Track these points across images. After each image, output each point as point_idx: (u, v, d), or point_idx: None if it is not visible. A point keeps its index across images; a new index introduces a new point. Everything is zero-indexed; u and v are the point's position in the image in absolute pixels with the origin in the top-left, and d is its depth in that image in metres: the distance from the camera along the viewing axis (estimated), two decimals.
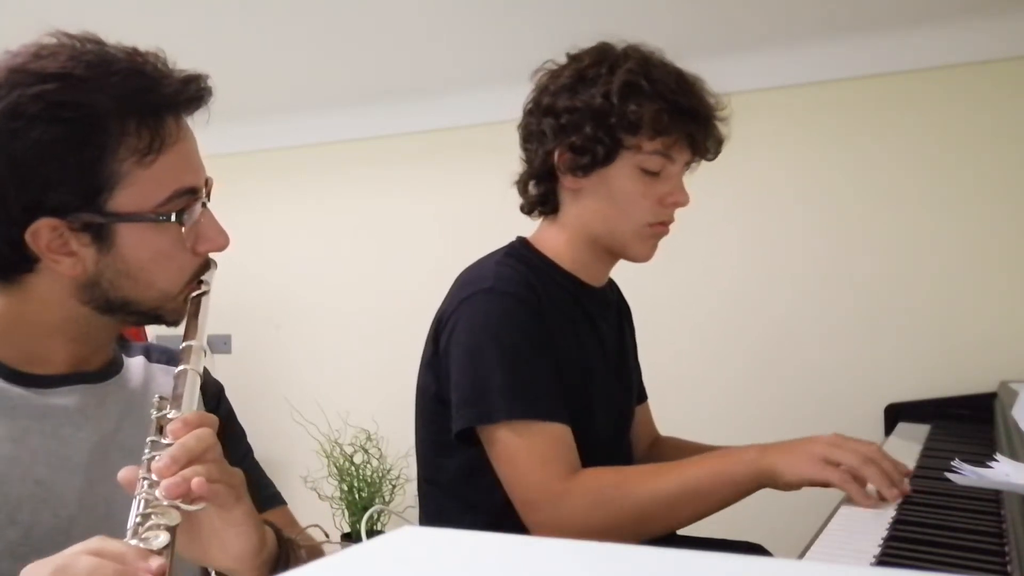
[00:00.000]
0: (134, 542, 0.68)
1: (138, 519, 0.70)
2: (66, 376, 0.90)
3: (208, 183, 0.91)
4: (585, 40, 1.29)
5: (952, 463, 1.04)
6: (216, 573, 0.81)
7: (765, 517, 1.63)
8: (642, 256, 1.30)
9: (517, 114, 1.35)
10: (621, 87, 1.20)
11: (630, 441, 1.45)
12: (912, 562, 0.83)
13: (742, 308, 2.31)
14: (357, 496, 2.60)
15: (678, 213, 1.28)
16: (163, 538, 0.69)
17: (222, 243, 0.91)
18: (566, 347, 1.23)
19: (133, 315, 0.90)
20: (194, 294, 0.90)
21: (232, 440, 0.99)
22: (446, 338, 1.21)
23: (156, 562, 0.66)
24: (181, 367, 0.84)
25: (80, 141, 0.80)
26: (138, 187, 0.83)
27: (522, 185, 1.33)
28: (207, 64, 0.89)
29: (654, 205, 1.25)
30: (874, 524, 0.96)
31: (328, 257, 2.88)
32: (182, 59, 0.88)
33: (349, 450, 2.63)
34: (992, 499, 1.05)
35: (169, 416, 0.78)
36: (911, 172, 2.16)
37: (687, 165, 1.28)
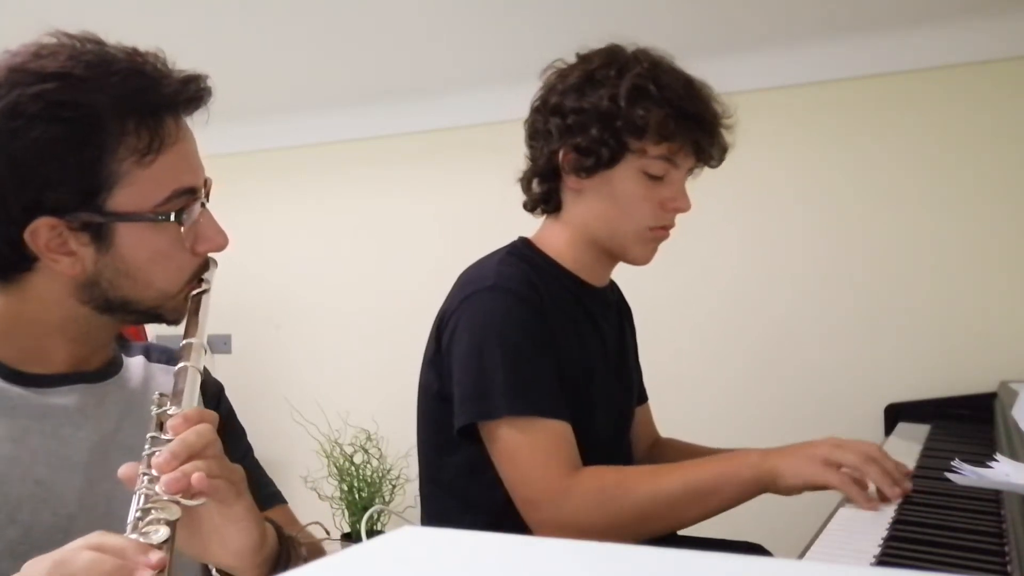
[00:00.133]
0: (134, 536, 0.68)
1: (138, 514, 0.70)
2: (66, 376, 0.90)
3: (207, 183, 0.91)
4: (585, 40, 1.29)
5: (952, 463, 1.04)
6: (216, 570, 0.81)
7: (765, 517, 1.63)
8: (641, 259, 1.30)
9: (517, 114, 1.35)
10: (629, 91, 1.20)
11: (630, 442, 1.45)
12: (912, 562, 0.83)
13: (742, 308, 2.31)
14: (357, 496, 2.60)
15: (678, 214, 1.29)
16: (163, 532, 0.69)
17: (221, 243, 0.91)
18: (567, 346, 1.23)
19: (132, 314, 0.91)
20: (194, 292, 0.90)
21: (232, 439, 0.99)
22: (448, 336, 1.21)
23: (156, 556, 0.66)
24: (181, 364, 0.84)
25: (79, 141, 0.80)
26: (137, 187, 0.83)
27: (526, 182, 1.33)
28: (207, 64, 0.89)
29: (655, 209, 1.25)
30: (874, 524, 0.96)
31: (328, 257, 2.88)
32: (182, 59, 0.88)
33: (349, 450, 2.63)
34: (992, 499, 1.05)
35: (169, 412, 0.79)
36: (911, 172, 2.16)
37: (690, 171, 1.28)
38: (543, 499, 1.12)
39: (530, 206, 1.34)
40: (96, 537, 0.67)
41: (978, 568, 0.81)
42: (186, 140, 0.88)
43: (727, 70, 1.74)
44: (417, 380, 1.31)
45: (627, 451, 1.43)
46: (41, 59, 0.81)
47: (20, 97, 0.79)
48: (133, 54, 0.85)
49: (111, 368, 0.95)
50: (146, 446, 0.75)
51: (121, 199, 0.83)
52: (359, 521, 2.50)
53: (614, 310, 1.41)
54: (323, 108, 2.78)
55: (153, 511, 0.70)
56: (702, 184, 1.32)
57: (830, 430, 1.12)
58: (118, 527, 0.71)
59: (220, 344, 2.96)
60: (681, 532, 1.31)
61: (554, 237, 1.31)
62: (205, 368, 0.87)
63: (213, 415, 0.80)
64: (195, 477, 0.71)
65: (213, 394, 1.04)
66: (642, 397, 1.54)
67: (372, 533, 2.47)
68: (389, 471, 2.62)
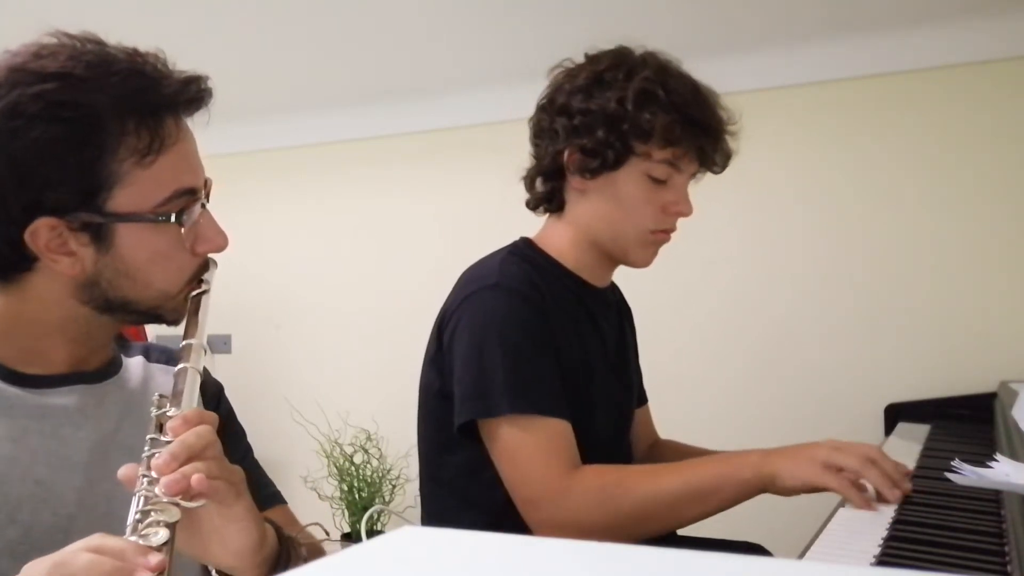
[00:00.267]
0: (134, 539, 0.68)
1: (138, 516, 0.70)
2: (65, 376, 0.90)
3: (207, 184, 0.91)
4: (585, 40, 1.29)
5: (952, 463, 1.04)
6: (216, 571, 0.81)
7: (765, 517, 1.63)
8: (641, 262, 1.30)
9: (517, 114, 1.35)
10: (637, 94, 1.20)
11: (630, 442, 1.45)
12: (912, 562, 0.83)
13: (742, 308, 2.31)
14: (357, 496, 2.60)
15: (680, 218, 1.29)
16: (163, 534, 0.69)
17: (221, 244, 0.91)
18: (568, 345, 1.23)
19: (132, 315, 0.91)
20: (194, 293, 0.90)
21: (232, 439, 0.99)
22: (449, 334, 1.22)
23: (155, 558, 0.66)
24: (181, 365, 0.84)
25: (79, 141, 0.80)
26: (137, 187, 0.83)
27: (529, 181, 1.34)
28: (207, 64, 0.89)
29: (657, 212, 1.25)
30: (874, 524, 0.96)
31: (328, 257, 2.88)
32: (182, 59, 0.88)
33: (349, 450, 2.63)
34: (992, 499, 1.05)
35: (169, 414, 0.78)
36: (911, 172, 2.16)
37: (692, 175, 1.29)
38: (543, 498, 1.13)
39: (533, 205, 1.35)
40: (96, 539, 0.67)
41: (978, 568, 0.81)
42: (186, 141, 0.87)
43: (727, 70, 1.74)
44: (417, 380, 1.31)
45: (627, 451, 1.43)
46: (41, 59, 0.81)
47: (20, 97, 0.79)
48: (133, 54, 0.85)
49: (111, 368, 0.95)
50: (146, 448, 0.75)
51: (121, 199, 0.83)
52: (359, 521, 2.50)
53: (614, 310, 1.41)
54: (323, 108, 2.78)
55: (153, 513, 0.70)
56: (702, 185, 1.33)
57: (830, 430, 1.13)
58: (118, 527, 0.71)
59: (220, 344, 2.96)
60: (681, 532, 1.31)
61: (556, 237, 1.32)
62: (205, 368, 0.87)
63: (213, 416, 0.80)
64: (195, 479, 0.71)
65: (213, 394, 1.03)
66: (642, 398, 1.55)
67: (372, 533, 2.47)
68: (389, 471, 2.62)
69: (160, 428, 0.78)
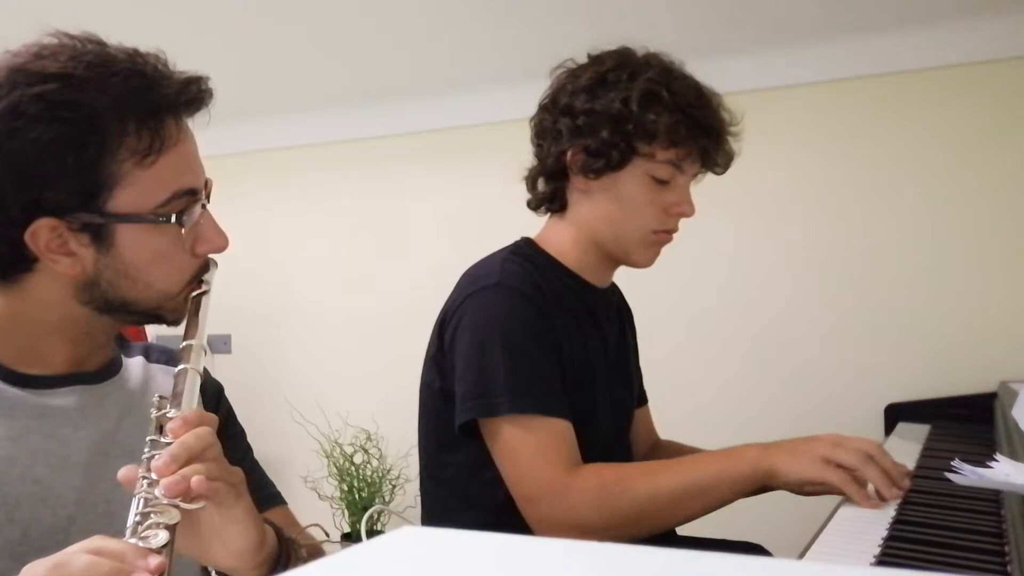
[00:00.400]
0: (133, 541, 0.68)
1: (137, 518, 0.70)
2: (65, 377, 0.90)
3: (208, 184, 0.91)
4: (585, 40, 1.29)
5: (952, 463, 1.04)
6: (216, 572, 0.81)
7: (765, 517, 1.63)
8: (643, 262, 1.31)
9: (517, 114, 1.35)
10: (641, 95, 1.21)
11: (630, 442, 1.45)
12: (912, 562, 0.83)
13: (741, 308, 2.31)
14: (357, 496, 2.60)
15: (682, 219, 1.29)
16: (162, 536, 0.69)
17: (221, 244, 0.91)
18: (569, 345, 1.24)
19: (132, 315, 0.90)
20: (194, 293, 0.90)
21: (232, 440, 0.99)
22: (451, 333, 1.22)
23: (155, 560, 0.66)
24: (181, 366, 0.84)
25: (80, 141, 0.80)
26: (138, 188, 0.83)
27: (531, 181, 1.34)
28: (207, 64, 0.89)
29: (660, 213, 1.26)
30: (874, 524, 0.96)
31: (328, 257, 2.88)
32: (182, 59, 0.88)
33: (349, 450, 2.63)
34: (992, 499, 1.05)
35: (169, 415, 0.78)
36: (911, 172, 2.16)
37: (694, 176, 1.29)
38: (543, 497, 1.13)
39: (534, 205, 1.35)
40: (96, 541, 0.67)
41: (978, 568, 0.81)
42: (187, 141, 0.87)
43: (727, 70, 1.75)
44: (417, 380, 1.31)
45: (627, 451, 1.43)
46: (42, 60, 0.81)
47: (21, 97, 0.79)
48: (134, 55, 0.85)
49: (110, 369, 0.95)
50: (145, 449, 0.75)
51: (121, 200, 0.83)
52: (359, 521, 2.50)
53: (615, 310, 1.41)
54: (323, 108, 2.78)
55: (152, 515, 0.70)
56: (702, 185, 1.33)
57: (830, 430, 1.12)
58: (118, 527, 0.71)
59: (220, 344, 2.96)
60: (681, 532, 1.31)
61: (558, 237, 1.32)
62: (205, 369, 0.87)
63: (213, 418, 0.80)
64: (195, 480, 0.71)
65: (213, 394, 1.03)
66: (642, 399, 1.55)
67: (372, 533, 2.47)
68: (389, 471, 2.62)
69: (160, 429, 0.77)
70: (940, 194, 2.14)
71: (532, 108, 1.33)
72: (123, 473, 0.74)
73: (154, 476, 0.72)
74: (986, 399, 1.88)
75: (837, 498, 1.06)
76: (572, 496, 1.11)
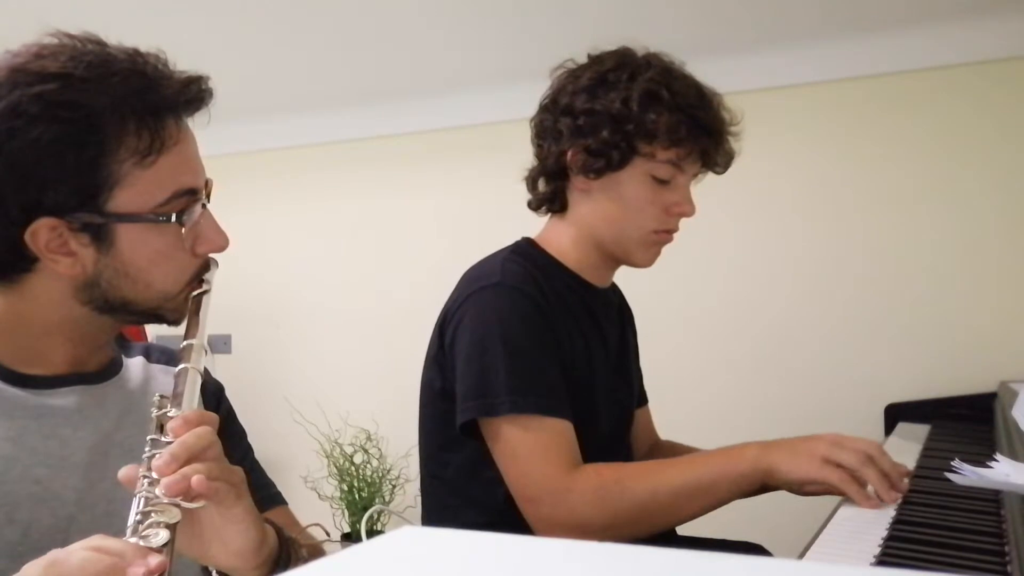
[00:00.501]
0: (134, 540, 0.68)
1: (138, 517, 0.70)
2: (65, 377, 0.90)
3: (208, 184, 0.91)
4: (585, 40, 1.29)
5: (952, 463, 1.04)
6: (216, 572, 0.81)
7: (765, 517, 1.63)
8: (643, 262, 1.31)
9: (517, 114, 1.35)
10: (642, 95, 1.21)
11: (630, 442, 1.45)
12: (912, 562, 0.83)
13: (741, 308, 2.31)
14: (357, 496, 2.60)
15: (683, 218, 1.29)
16: (163, 536, 0.69)
17: (221, 244, 0.91)
18: (570, 345, 1.24)
19: (132, 315, 0.90)
20: (195, 293, 0.90)
21: (232, 440, 0.99)
22: (451, 333, 1.22)
23: (156, 559, 0.66)
24: (182, 366, 0.84)
25: (79, 141, 0.80)
26: (138, 188, 0.83)
27: (531, 181, 1.34)
28: (207, 64, 0.89)
29: (660, 213, 1.26)
30: (874, 524, 0.96)
31: (328, 257, 2.88)
32: (182, 59, 0.88)
33: (349, 450, 2.63)
34: (992, 499, 1.05)
35: (169, 414, 0.78)
36: (911, 172, 2.16)
37: (695, 176, 1.29)
38: (543, 496, 1.13)
39: (535, 205, 1.35)
40: (96, 540, 0.67)
41: (978, 568, 0.81)
42: (187, 141, 0.88)
43: (727, 70, 1.75)
44: (417, 379, 1.31)
45: (628, 451, 1.43)
46: (42, 59, 0.81)
47: (21, 97, 0.79)
48: (134, 55, 0.85)
49: (110, 369, 0.95)
50: (146, 448, 0.75)
51: (122, 200, 0.83)
52: (359, 521, 2.50)
53: (616, 311, 1.41)
54: (323, 108, 2.78)
55: (153, 514, 0.70)
56: (702, 184, 1.33)
57: (830, 430, 1.12)
58: (118, 528, 0.71)
59: (220, 344, 2.96)
60: (681, 532, 1.31)
61: (558, 237, 1.32)
62: (205, 369, 0.87)
63: (213, 417, 0.80)
64: (195, 480, 0.71)
65: (213, 394, 1.03)
66: (642, 399, 1.55)
67: (372, 533, 2.47)
68: (389, 471, 2.62)
69: (160, 429, 0.78)
70: (940, 194, 2.14)
71: (532, 108, 1.33)
72: (124, 472, 0.74)
73: (155, 475, 0.72)
74: (986, 399, 1.88)
75: (837, 498, 1.06)
76: (572, 496, 1.11)
